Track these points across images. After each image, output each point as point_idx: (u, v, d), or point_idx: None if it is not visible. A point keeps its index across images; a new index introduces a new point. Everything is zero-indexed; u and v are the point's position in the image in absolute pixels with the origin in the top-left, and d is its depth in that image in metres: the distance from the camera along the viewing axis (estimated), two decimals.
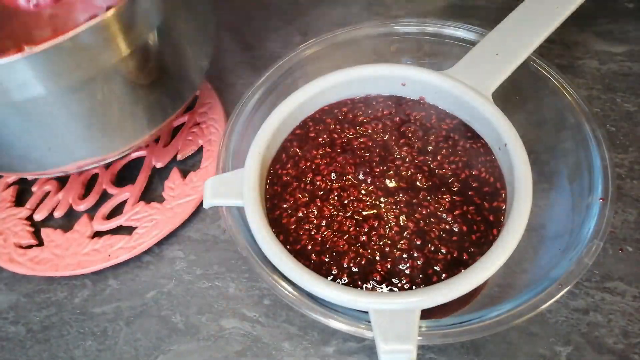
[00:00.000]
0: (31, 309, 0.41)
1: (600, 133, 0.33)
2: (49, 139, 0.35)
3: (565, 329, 0.36)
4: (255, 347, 0.38)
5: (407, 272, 0.30)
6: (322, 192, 0.34)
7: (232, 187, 0.32)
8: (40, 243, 0.44)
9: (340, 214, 0.33)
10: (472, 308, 0.35)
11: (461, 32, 0.39)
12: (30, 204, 0.46)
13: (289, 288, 0.30)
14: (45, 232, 0.44)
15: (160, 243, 0.43)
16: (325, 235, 0.32)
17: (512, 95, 0.36)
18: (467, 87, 0.34)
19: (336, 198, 0.33)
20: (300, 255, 0.31)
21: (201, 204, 0.45)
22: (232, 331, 0.38)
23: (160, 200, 0.45)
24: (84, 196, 0.46)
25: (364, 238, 0.32)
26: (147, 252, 0.43)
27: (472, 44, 0.37)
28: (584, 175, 0.33)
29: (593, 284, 0.38)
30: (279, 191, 0.34)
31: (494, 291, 0.36)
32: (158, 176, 0.47)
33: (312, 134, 0.37)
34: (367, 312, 0.28)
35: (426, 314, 0.27)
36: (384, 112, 0.37)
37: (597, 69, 0.50)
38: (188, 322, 0.39)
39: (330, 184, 0.34)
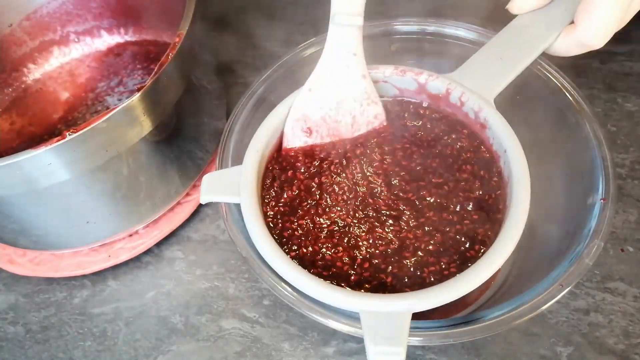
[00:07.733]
0: (30, 310, 0.41)
1: (601, 133, 0.33)
2: (82, 217, 0.38)
3: (566, 329, 0.36)
4: (255, 347, 0.38)
5: (399, 274, 0.30)
6: (324, 187, 0.34)
7: (230, 184, 0.32)
8: None
9: (343, 213, 0.33)
10: (473, 309, 0.35)
11: (461, 31, 0.39)
12: None
13: (289, 288, 0.30)
14: None
15: (159, 243, 0.43)
16: (325, 233, 0.32)
17: (513, 95, 0.36)
18: (469, 92, 0.34)
19: (339, 195, 0.33)
20: (299, 255, 0.31)
21: (201, 205, 0.44)
22: (232, 332, 0.38)
23: None
24: None
25: (367, 237, 0.31)
26: (147, 252, 0.43)
27: (473, 43, 0.37)
28: (584, 175, 0.33)
29: (594, 284, 0.38)
30: (277, 190, 0.34)
31: (495, 292, 0.36)
32: None
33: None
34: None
35: (427, 314, 0.27)
36: (388, 108, 0.37)
37: (598, 69, 0.49)
38: (187, 322, 0.39)
39: (333, 177, 0.34)
